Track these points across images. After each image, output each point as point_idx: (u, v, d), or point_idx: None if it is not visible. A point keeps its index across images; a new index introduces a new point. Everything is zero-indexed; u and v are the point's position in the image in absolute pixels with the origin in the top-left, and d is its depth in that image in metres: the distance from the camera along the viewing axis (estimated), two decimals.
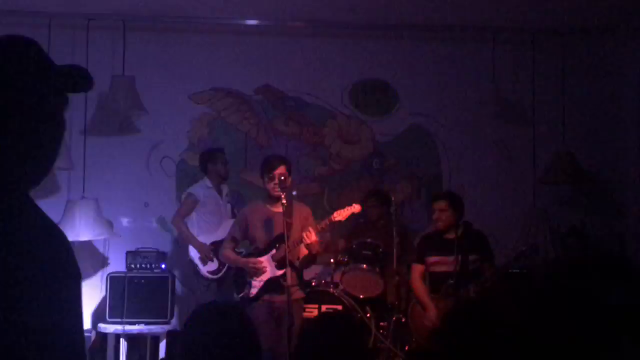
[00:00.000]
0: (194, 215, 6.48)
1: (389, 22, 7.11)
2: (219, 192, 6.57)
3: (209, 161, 6.55)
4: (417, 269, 6.02)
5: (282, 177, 5.14)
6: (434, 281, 5.95)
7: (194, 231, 6.44)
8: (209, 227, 6.46)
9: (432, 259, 5.93)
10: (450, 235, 5.82)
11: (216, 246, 6.16)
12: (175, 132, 7.15)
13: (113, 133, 7.08)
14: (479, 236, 5.98)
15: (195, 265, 6.39)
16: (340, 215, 5.36)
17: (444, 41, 7.30)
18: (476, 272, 5.84)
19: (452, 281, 5.70)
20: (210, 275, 6.39)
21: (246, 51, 7.19)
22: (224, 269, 6.30)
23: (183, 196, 6.66)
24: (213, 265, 6.38)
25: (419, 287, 5.96)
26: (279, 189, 5.11)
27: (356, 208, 5.44)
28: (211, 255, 6.32)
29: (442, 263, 5.84)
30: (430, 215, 6.07)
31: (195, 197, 6.47)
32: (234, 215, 6.33)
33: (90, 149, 6.89)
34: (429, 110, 7.33)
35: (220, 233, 6.15)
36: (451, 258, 5.73)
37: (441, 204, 5.89)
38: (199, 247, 6.36)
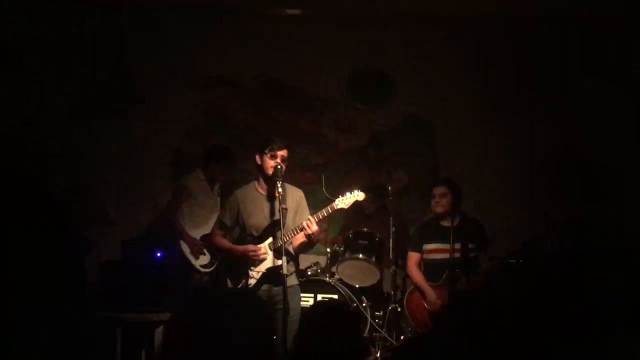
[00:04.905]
0: (184, 207, 6.44)
1: (388, 10, 7.07)
2: (212, 185, 6.52)
3: (213, 159, 6.45)
4: (414, 257, 6.02)
5: (283, 160, 4.92)
6: (432, 269, 5.94)
7: (185, 224, 6.41)
8: (199, 219, 6.42)
9: (429, 246, 5.93)
10: (448, 223, 5.82)
11: (206, 239, 6.15)
12: (172, 121, 7.11)
13: (110, 120, 7.03)
14: (476, 224, 5.98)
15: (187, 260, 6.36)
16: (343, 203, 4.98)
17: (443, 30, 7.26)
18: (474, 260, 5.84)
19: (455, 270, 5.68)
20: (202, 269, 6.38)
21: (244, 39, 7.15)
22: (217, 262, 6.27)
23: (175, 187, 6.61)
24: (205, 259, 6.37)
25: (416, 274, 5.96)
26: (276, 176, 4.86)
27: (360, 196, 5.04)
28: (202, 250, 6.30)
29: (440, 251, 5.83)
30: (427, 205, 6.05)
31: (187, 189, 6.43)
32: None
33: (85, 136, 6.86)
34: (427, 100, 7.30)
35: (211, 226, 6.05)
36: (449, 246, 5.73)
37: (441, 189, 5.89)
38: (190, 241, 6.34)
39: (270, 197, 5.02)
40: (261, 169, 5.02)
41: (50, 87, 6.73)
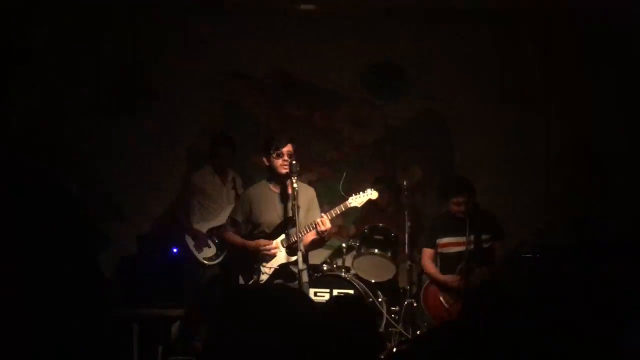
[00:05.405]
0: (195, 201, 6.47)
1: (402, 5, 7.05)
2: (223, 178, 6.53)
3: (216, 148, 6.49)
4: (428, 252, 6.02)
5: (290, 155, 4.88)
6: (447, 262, 5.92)
7: (195, 217, 6.44)
8: (209, 213, 6.44)
9: (444, 240, 5.92)
10: (462, 216, 5.81)
11: (213, 232, 6.19)
12: (187, 117, 7.13)
13: (125, 117, 7.06)
14: (488, 215, 5.97)
15: (191, 253, 6.39)
16: (356, 201, 4.98)
17: (458, 25, 7.22)
18: (488, 251, 5.82)
19: (465, 262, 5.68)
20: (206, 262, 6.40)
21: (258, 35, 7.15)
22: (223, 255, 6.30)
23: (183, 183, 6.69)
24: (209, 252, 6.39)
25: (432, 267, 5.96)
26: (289, 169, 4.84)
27: (373, 195, 5.04)
28: (206, 242, 6.33)
29: (454, 244, 5.84)
30: (441, 201, 6.03)
31: (193, 184, 6.47)
32: None
33: (102, 132, 6.89)
34: (441, 94, 7.27)
35: (222, 219, 6.03)
36: (463, 238, 5.71)
37: (461, 198, 5.82)
38: (193, 234, 6.38)
39: (283, 195, 5.02)
40: (271, 169, 5.01)
41: (65, 85, 6.76)
